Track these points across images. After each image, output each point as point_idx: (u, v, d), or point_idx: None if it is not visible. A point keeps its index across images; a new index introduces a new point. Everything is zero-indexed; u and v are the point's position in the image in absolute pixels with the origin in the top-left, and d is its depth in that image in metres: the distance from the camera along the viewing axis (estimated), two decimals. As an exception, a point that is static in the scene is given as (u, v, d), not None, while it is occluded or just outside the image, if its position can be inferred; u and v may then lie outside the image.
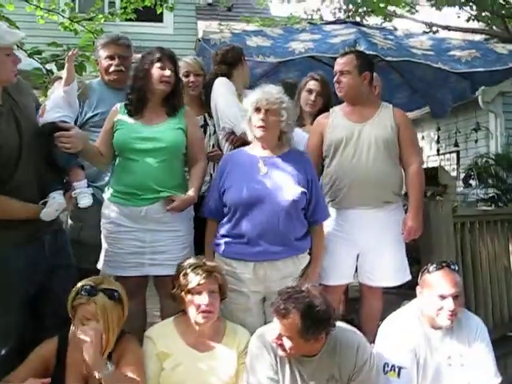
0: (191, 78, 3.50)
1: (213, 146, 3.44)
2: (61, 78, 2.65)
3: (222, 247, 2.76)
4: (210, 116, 3.47)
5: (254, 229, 2.68)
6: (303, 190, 2.74)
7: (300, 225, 2.79)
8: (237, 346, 2.53)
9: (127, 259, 2.81)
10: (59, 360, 2.36)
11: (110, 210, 2.87)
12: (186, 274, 2.49)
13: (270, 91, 2.75)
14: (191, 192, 2.81)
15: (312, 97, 3.70)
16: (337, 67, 3.17)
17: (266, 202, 2.68)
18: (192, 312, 2.47)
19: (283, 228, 2.69)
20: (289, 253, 2.73)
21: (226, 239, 2.75)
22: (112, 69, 3.28)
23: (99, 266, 2.88)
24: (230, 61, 3.45)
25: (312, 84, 3.72)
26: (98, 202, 2.87)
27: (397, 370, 2.52)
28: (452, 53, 4.00)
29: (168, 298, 2.70)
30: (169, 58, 2.86)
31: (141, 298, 2.96)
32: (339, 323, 2.44)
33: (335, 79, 3.16)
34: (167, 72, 2.83)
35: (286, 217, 2.68)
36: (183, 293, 2.48)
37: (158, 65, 2.83)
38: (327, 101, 3.67)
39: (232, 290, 2.67)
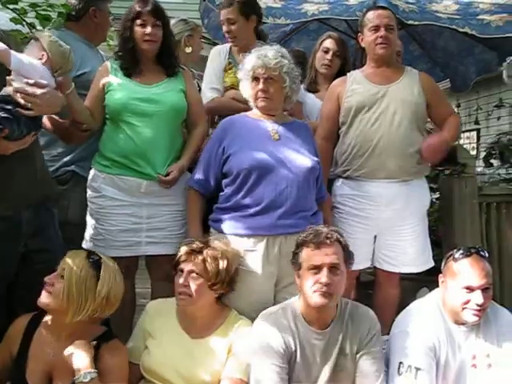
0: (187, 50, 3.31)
1: None
2: (37, 38, 2.31)
3: (226, 222, 2.46)
4: None
5: (270, 197, 2.40)
6: (317, 159, 2.54)
7: (313, 197, 2.57)
8: (231, 339, 2.27)
9: (121, 237, 2.57)
10: (24, 344, 2.11)
11: (99, 182, 2.60)
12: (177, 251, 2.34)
13: (267, 55, 2.47)
14: (182, 160, 2.62)
15: (328, 56, 3.40)
16: (382, 21, 2.84)
17: (284, 167, 2.43)
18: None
19: (301, 197, 2.44)
20: (305, 226, 2.41)
21: (231, 213, 2.45)
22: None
23: (85, 245, 2.60)
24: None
25: (329, 42, 3.43)
26: (80, 178, 2.69)
27: (414, 371, 2.21)
28: (481, 17, 3.67)
29: (161, 280, 2.55)
30: (151, 12, 2.57)
31: (130, 283, 2.68)
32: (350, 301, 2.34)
33: (381, 34, 2.82)
34: (148, 29, 2.56)
35: (303, 185, 2.45)
36: (173, 271, 2.34)
37: (138, 22, 2.57)
38: (345, 63, 3.38)
39: (239, 272, 2.39)
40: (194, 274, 2.24)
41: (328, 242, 2.17)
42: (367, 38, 2.87)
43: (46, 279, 2.07)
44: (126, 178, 2.58)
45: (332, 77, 3.28)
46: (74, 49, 2.78)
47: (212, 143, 2.58)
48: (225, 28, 3.06)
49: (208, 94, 2.99)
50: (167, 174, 2.58)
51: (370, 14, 2.88)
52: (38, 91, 2.10)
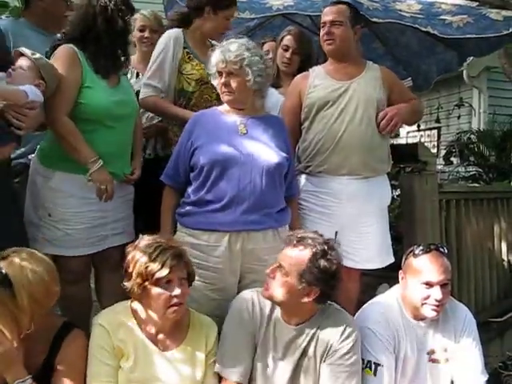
0: (146, 34, 3.20)
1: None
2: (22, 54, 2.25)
3: (190, 217, 2.42)
4: None
5: (233, 192, 2.34)
6: (285, 155, 2.48)
7: (281, 194, 2.52)
8: (204, 342, 2.17)
9: (92, 234, 2.50)
10: None
11: (64, 183, 2.47)
12: (151, 260, 2.00)
13: (228, 49, 2.41)
14: (138, 157, 2.72)
15: (287, 54, 3.36)
16: (327, 17, 2.86)
17: (248, 162, 2.37)
18: (159, 306, 2.04)
19: (265, 193, 2.39)
20: (270, 224, 2.42)
21: (195, 208, 2.41)
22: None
23: (40, 245, 2.41)
24: (191, 5, 2.94)
25: (287, 40, 3.37)
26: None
27: (373, 366, 2.23)
28: (443, 17, 3.72)
29: (110, 271, 2.54)
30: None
31: (87, 283, 2.64)
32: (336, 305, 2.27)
33: (325, 31, 2.84)
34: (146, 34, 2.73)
35: (268, 181, 2.40)
36: (147, 283, 2.00)
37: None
38: (306, 60, 3.34)
39: (202, 267, 2.33)
40: (183, 281, 2.08)
41: None
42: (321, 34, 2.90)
43: None
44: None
45: (293, 73, 3.25)
46: (24, 37, 2.72)
47: (182, 137, 2.54)
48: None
49: (143, 90, 2.85)
50: (132, 173, 2.62)
51: (323, 11, 2.91)
52: (32, 112, 2.09)
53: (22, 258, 1.93)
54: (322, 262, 2.07)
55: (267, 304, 2.21)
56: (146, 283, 2.01)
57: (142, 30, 3.23)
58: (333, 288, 2.13)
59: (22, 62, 2.18)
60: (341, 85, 2.85)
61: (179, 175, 2.50)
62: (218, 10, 2.88)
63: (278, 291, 2.12)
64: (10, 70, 2.13)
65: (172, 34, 2.88)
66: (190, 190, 2.46)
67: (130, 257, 2.06)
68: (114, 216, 2.56)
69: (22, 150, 2.75)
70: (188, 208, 2.44)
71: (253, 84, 2.44)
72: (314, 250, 2.09)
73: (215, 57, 2.44)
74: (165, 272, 1.99)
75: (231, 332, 2.20)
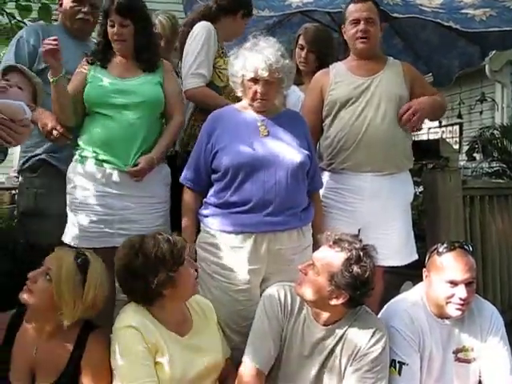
0: (161, 43, 3.18)
1: None
2: (16, 68, 2.16)
3: (214, 218, 2.42)
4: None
5: (258, 194, 2.35)
6: (307, 152, 2.47)
7: (305, 193, 2.51)
8: (208, 315, 2.26)
9: (93, 228, 2.53)
10: (8, 341, 2.06)
11: (76, 174, 2.58)
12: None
13: (269, 58, 2.36)
14: (152, 152, 2.57)
15: (303, 53, 3.35)
16: (361, 14, 2.79)
17: (272, 163, 2.37)
18: (191, 283, 2.15)
19: (290, 194, 2.39)
20: (294, 224, 2.42)
21: (219, 209, 2.42)
22: (79, 16, 2.90)
23: (65, 238, 2.57)
24: (225, 5, 2.98)
25: (302, 39, 3.37)
26: (50, 166, 2.70)
27: (398, 366, 2.21)
28: (465, 11, 3.66)
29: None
30: (117, 11, 2.52)
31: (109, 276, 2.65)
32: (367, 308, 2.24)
33: (361, 28, 2.78)
34: (115, 29, 2.54)
35: (293, 181, 2.40)
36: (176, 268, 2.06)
37: (108, 21, 2.55)
38: (323, 57, 3.30)
39: (226, 268, 2.36)
40: None
41: None
42: (348, 31, 2.84)
43: (30, 275, 2.03)
44: (99, 168, 2.56)
45: (312, 71, 3.22)
46: (46, 37, 2.75)
47: (201, 138, 2.52)
48: None
49: (193, 80, 2.83)
50: (135, 165, 2.54)
51: (351, 7, 2.84)
52: (25, 130, 2.01)
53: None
54: (355, 268, 2.05)
55: (298, 300, 2.21)
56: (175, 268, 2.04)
57: (158, 38, 3.19)
58: (363, 295, 2.11)
59: (20, 80, 2.08)
60: (363, 81, 2.82)
61: (201, 177, 2.49)
62: (248, 16, 3.00)
63: (308, 289, 2.12)
64: (4, 84, 2.01)
65: (210, 26, 2.89)
66: (212, 191, 2.46)
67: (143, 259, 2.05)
68: (121, 216, 2.55)
69: (39, 150, 2.84)
70: (212, 209, 2.45)
71: (285, 88, 2.47)
72: (348, 254, 2.08)
73: (254, 62, 2.37)
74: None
75: (259, 323, 2.21)
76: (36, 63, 2.83)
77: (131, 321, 2.03)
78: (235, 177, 2.38)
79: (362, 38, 2.80)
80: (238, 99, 2.61)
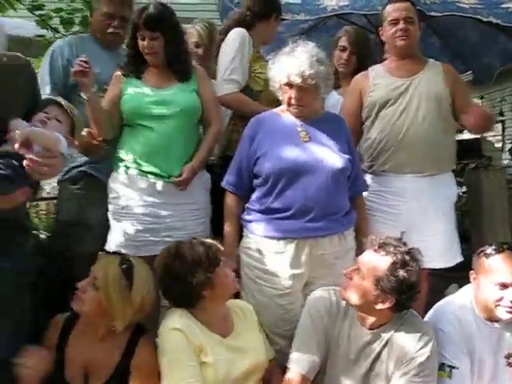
0: (199, 51, 3.21)
1: None
2: (55, 101, 2.11)
3: (256, 224, 2.44)
4: None
5: (300, 201, 2.36)
6: (348, 156, 2.46)
7: (346, 197, 2.50)
8: (248, 316, 2.29)
9: (139, 237, 2.56)
10: (61, 344, 2.14)
11: (118, 183, 2.62)
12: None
13: (303, 64, 2.36)
14: (193, 161, 2.60)
15: (344, 55, 3.34)
16: (400, 14, 2.78)
17: (313, 170, 2.37)
18: (229, 284, 2.19)
19: (331, 199, 2.40)
20: (336, 229, 2.42)
21: (261, 215, 2.43)
22: (110, 30, 2.92)
23: (108, 246, 2.61)
24: (258, 11, 2.99)
25: (344, 40, 3.36)
26: (92, 178, 2.75)
27: (447, 369, 2.17)
28: (505, 6, 3.60)
29: None
30: (146, 25, 2.54)
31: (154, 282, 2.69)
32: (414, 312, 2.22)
33: (400, 27, 2.77)
34: (145, 43, 2.56)
35: (334, 187, 2.40)
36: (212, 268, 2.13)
37: (137, 34, 2.57)
38: (363, 59, 3.29)
39: (269, 273, 2.38)
40: None
41: None
42: (387, 31, 2.82)
43: (79, 285, 2.10)
44: (142, 178, 2.59)
45: (351, 73, 3.21)
46: (89, 52, 2.75)
47: (243, 142, 2.54)
48: None
49: (226, 86, 2.85)
50: (180, 175, 2.58)
51: (389, 8, 2.83)
52: (57, 164, 1.94)
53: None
54: (401, 272, 2.04)
55: (343, 304, 2.20)
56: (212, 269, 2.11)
57: (196, 46, 3.25)
58: (409, 299, 2.09)
59: (59, 113, 2.03)
60: (402, 82, 2.79)
61: (243, 182, 2.51)
62: (279, 17, 3.01)
63: (354, 293, 2.11)
64: (44, 117, 1.97)
65: (244, 33, 2.91)
66: (254, 196, 2.48)
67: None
68: (167, 224, 2.57)
69: (80, 160, 2.85)
70: (254, 215, 2.46)
71: (323, 93, 2.47)
72: (394, 258, 2.06)
73: (287, 67, 2.39)
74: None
75: (304, 326, 2.22)
76: (70, 75, 2.80)
77: (176, 323, 2.07)
78: (276, 183, 2.39)
79: (401, 36, 2.77)
80: (276, 103, 2.62)
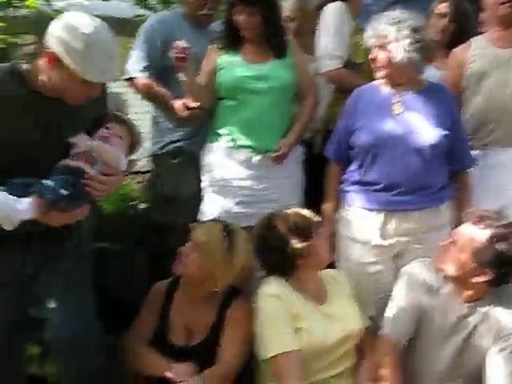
0: (292, 25, 3.19)
1: None
2: (117, 118, 2.11)
3: (351, 195, 2.51)
4: None
5: (385, 175, 2.41)
6: (445, 132, 2.40)
7: (439, 172, 2.47)
8: (342, 285, 2.34)
9: (234, 210, 2.65)
10: (166, 306, 2.30)
11: (214, 157, 2.71)
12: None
13: (378, 23, 2.39)
14: (290, 135, 2.66)
15: (443, 22, 3.19)
16: None
17: (403, 144, 2.38)
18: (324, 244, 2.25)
19: (421, 174, 2.39)
20: (426, 203, 2.41)
21: (355, 187, 2.50)
22: (203, 12, 2.96)
23: (200, 217, 2.72)
24: None
25: (444, 6, 3.16)
26: (189, 153, 2.84)
27: None
28: None
29: None
30: (243, 1, 2.57)
31: None
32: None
33: None
34: (241, 18, 2.59)
35: (423, 163, 2.38)
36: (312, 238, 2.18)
37: (233, 11, 2.60)
38: (462, 28, 3.11)
39: (360, 242, 2.45)
40: None
41: None
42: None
43: (182, 250, 2.22)
44: (238, 151, 2.66)
45: (448, 44, 3.07)
46: (180, 30, 2.88)
47: (344, 114, 2.58)
48: None
49: (329, 62, 2.88)
50: (277, 150, 2.64)
51: None
52: (117, 182, 2.02)
53: None
54: (500, 246, 2.01)
55: (439, 276, 2.20)
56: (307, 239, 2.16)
57: (289, 21, 3.22)
58: (508, 274, 2.07)
59: (121, 130, 2.05)
60: (504, 52, 2.70)
61: (342, 153, 2.56)
62: None
63: (450, 266, 2.11)
64: (106, 133, 1.99)
65: (342, 6, 2.92)
66: (351, 168, 2.53)
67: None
68: (262, 197, 2.65)
69: (176, 134, 2.97)
70: (349, 186, 2.53)
71: (401, 59, 2.39)
72: (493, 231, 2.04)
73: (367, 32, 2.44)
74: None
75: (399, 296, 2.24)
76: (164, 53, 2.88)
77: (273, 290, 2.16)
78: (366, 156, 2.44)
79: (505, 2, 2.65)
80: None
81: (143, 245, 3.05)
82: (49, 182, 1.80)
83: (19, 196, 1.73)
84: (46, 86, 1.83)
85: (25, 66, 1.87)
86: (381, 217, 2.41)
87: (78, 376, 2.16)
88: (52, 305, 2.10)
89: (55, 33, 1.76)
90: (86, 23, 1.77)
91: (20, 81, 1.83)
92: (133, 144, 2.09)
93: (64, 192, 1.79)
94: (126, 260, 2.98)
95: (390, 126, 2.40)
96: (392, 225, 2.41)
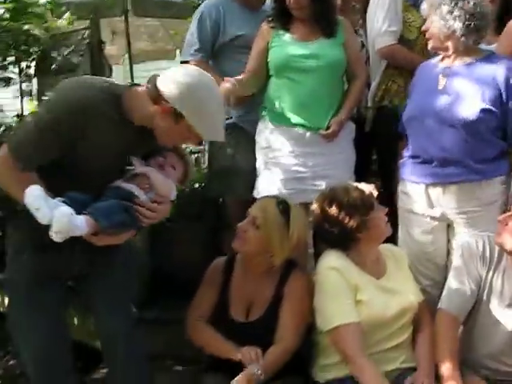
0: (338, 2, 3.14)
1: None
2: (173, 149, 2.10)
3: (403, 169, 2.59)
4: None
5: (423, 149, 2.45)
6: (489, 107, 2.34)
7: (485, 147, 2.41)
8: (399, 259, 2.37)
9: (288, 185, 2.70)
10: (225, 282, 2.35)
11: (266, 134, 2.77)
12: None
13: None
14: (340, 114, 2.69)
15: None
16: None
17: (436, 119, 2.39)
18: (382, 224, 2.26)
19: (459, 149, 2.38)
20: (468, 176, 2.40)
21: (406, 160, 2.57)
22: None
23: (255, 194, 2.77)
24: None
25: None
26: (240, 129, 2.92)
27: None
28: None
29: None
30: None
31: None
32: None
33: None
34: None
35: (462, 138, 2.37)
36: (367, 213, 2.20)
37: None
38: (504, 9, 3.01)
39: (412, 212, 2.53)
40: None
41: None
42: None
43: (239, 226, 2.27)
44: (290, 129, 2.71)
45: (497, 19, 2.99)
46: (232, 13, 2.93)
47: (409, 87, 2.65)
48: None
49: (384, 38, 2.88)
50: (328, 128, 2.67)
51: None
52: (164, 211, 2.03)
53: None
54: None
55: (497, 249, 2.20)
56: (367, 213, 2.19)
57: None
58: None
59: (175, 160, 2.08)
60: None
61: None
62: None
63: (509, 239, 2.10)
64: (162, 161, 2.04)
65: None
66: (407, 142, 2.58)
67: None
68: (314, 173, 2.69)
69: (232, 111, 2.99)
70: (405, 159, 2.59)
71: (447, 29, 2.36)
72: None
73: (423, 4, 2.51)
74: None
75: (457, 269, 2.25)
76: (219, 37, 2.98)
77: (333, 263, 2.20)
78: (410, 130, 2.50)
79: None
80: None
81: (201, 220, 3.13)
82: (104, 206, 1.85)
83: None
84: (142, 121, 1.88)
85: (125, 92, 1.90)
86: (422, 189, 2.47)
87: None
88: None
89: (178, 91, 1.79)
90: (208, 86, 1.85)
91: (115, 104, 1.86)
92: (184, 176, 2.13)
93: (118, 219, 1.85)
94: (185, 235, 3.05)
95: (429, 99, 2.42)
96: (435, 197, 2.45)
